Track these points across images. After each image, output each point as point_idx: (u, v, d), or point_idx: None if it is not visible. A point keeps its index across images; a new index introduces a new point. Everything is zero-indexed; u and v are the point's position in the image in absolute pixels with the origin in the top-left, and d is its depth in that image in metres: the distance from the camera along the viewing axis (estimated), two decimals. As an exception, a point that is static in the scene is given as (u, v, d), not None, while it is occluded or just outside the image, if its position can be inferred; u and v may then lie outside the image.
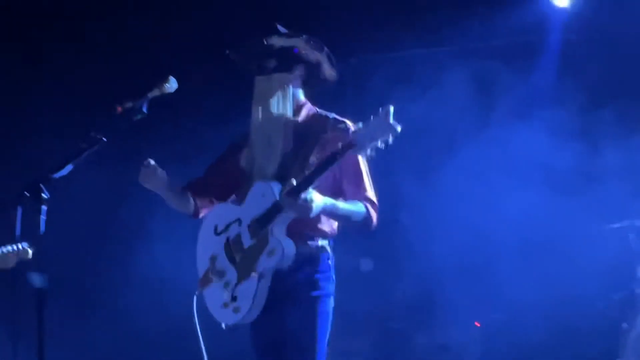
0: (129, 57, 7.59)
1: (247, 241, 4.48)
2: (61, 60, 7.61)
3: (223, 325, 4.52)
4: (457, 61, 7.72)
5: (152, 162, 4.59)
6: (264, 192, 4.45)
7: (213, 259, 4.59)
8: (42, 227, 3.99)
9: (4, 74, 7.76)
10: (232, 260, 4.52)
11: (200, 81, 7.07)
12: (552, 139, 7.45)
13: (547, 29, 7.81)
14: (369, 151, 4.11)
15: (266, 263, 4.40)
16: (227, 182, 4.72)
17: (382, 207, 7.73)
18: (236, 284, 4.47)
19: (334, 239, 4.63)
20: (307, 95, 4.68)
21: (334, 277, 4.58)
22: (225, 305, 4.50)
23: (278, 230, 4.40)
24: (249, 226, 4.48)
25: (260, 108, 4.57)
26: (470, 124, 7.78)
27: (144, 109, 4.24)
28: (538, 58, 7.87)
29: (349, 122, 4.52)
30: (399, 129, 4.05)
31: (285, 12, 7.50)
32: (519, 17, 7.56)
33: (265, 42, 4.56)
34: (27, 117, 7.57)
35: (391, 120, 4.06)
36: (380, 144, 4.08)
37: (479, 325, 7.96)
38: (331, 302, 4.56)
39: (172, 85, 4.36)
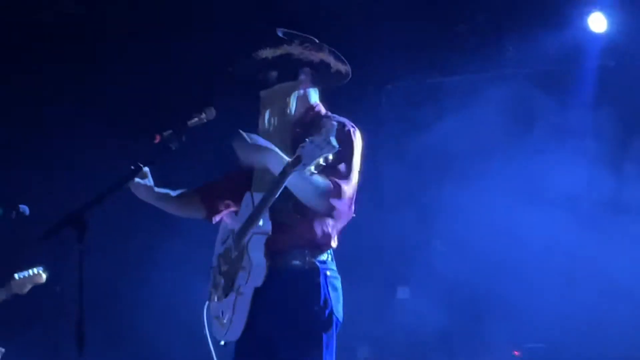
0: (170, 84, 7.62)
1: (233, 254, 4.34)
2: (101, 88, 7.67)
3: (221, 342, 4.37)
4: (491, 87, 7.71)
5: (145, 169, 4.44)
6: (247, 204, 4.34)
7: (213, 270, 4.48)
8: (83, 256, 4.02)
9: (44, 102, 7.84)
10: (222, 273, 4.39)
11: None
12: (586, 167, 7.43)
13: (583, 56, 7.76)
14: (312, 168, 3.94)
15: (241, 279, 4.24)
16: (238, 188, 4.51)
17: (417, 234, 7.88)
18: (224, 298, 4.34)
19: (331, 251, 4.41)
20: (323, 96, 4.54)
21: (330, 294, 4.32)
22: (216, 318, 4.38)
23: (253, 243, 4.23)
24: (234, 238, 4.34)
25: (265, 118, 4.43)
26: (505, 150, 7.75)
27: (183, 138, 4.22)
28: (574, 85, 7.83)
29: (347, 122, 4.36)
30: (336, 145, 3.89)
31: (325, 37, 7.62)
32: (555, 43, 7.54)
33: (261, 55, 4.41)
34: (69, 146, 7.61)
35: (331, 138, 3.88)
36: (322, 161, 3.93)
37: (518, 354, 7.90)
38: (328, 325, 4.30)
39: (211, 114, 4.33)
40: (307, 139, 3.94)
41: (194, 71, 7.68)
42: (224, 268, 4.38)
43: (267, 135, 4.32)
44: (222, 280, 4.37)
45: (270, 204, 4.12)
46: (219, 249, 4.51)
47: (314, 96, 4.51)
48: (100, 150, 7.43)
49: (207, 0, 7.66)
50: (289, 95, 4.41)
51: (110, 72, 7.70)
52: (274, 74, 4.41)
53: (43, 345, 6.72)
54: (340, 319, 4.37)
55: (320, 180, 4.14)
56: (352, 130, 4.35)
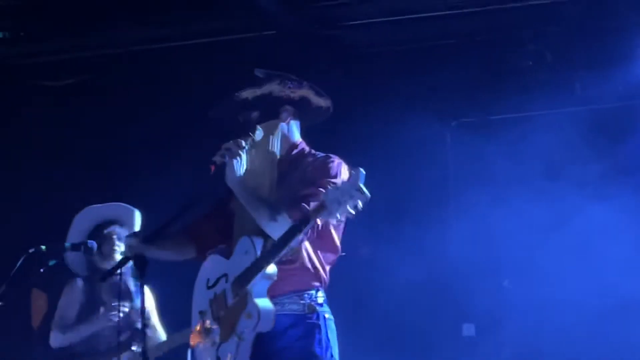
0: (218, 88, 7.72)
1: (230, 299, 4.26)
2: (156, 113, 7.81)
3: None
4: (558, 124, 7.67)
5: (135, 234, 4.51)
6: (247, 249, 4.24)
7: (202, 315, 4.40)
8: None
9: (89, 134, 8.03)
10: (216, 318, 4.31)
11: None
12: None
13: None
14: (338, 215, 3.83)
15: (244, 325, 4.17)
16: (224, 227, 4.49)
17: (485, 272, 7.82)
18: (219, 345, 4.27)
19: (324, 289, 4.39)
20: (303, 132, 4.53)
21: (329, 336, 4.30)
22: None
23: (257, 290, 4.17)
24: (232, 284, 4.26)
25: (251, 159, 4.35)
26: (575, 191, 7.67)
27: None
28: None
29: (335, 158, 4.36)
30: (368, 194, 3.77)
31: (383, 76, 7.68)
32: (624, 79, 7.47)
33: (241, 96, 4.42)
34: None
35: (361, 185, 3.77)
36: (350, 209, 3.80)
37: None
38: None
39: (259, 135, 4.36)
40: (330, 186, 3.94)
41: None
42: (219, 314, 4.31)
43: (253, 175, 4.32)
44: (217, 326, 4.31)
45: (283, 252, 4.08)
46: (205, 293, 4.41)
47: (297, 133, 4.51)
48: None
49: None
50: (272, 134, 4.41)
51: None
52: (255, 114, 4.41)
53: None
54: None
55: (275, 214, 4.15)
56: (327, 158, 4.36)
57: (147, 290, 5.71)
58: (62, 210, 7.49)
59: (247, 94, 4.40)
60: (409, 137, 7.63)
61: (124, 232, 5.98)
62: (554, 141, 7.67)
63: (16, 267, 5.29)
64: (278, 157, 4.40)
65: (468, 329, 8.07)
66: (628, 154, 7.63)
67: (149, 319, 6.13)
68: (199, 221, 4.62)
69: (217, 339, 4.28)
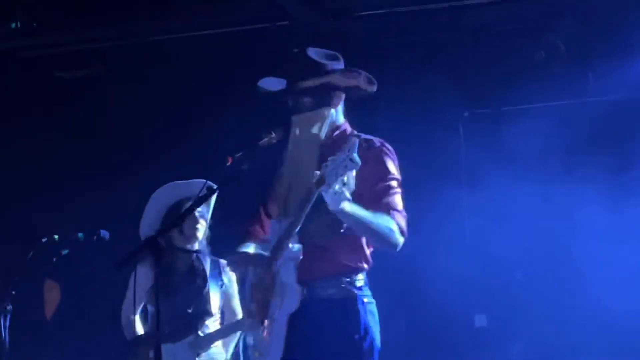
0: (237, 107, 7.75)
1: (265, 282, 4.30)
2: (173, 105, 7.82)
3: None
4: (572, 115, 7.66)
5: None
6: (274, 230, 4.36)
7: (248, 300, 4.44)
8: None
9: (117, 124, 8.05)
10: (256, 300, 4.35)
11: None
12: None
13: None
14: (336, 187, 3.88)
15: (274, 306, 4.23)
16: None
17: (499, 264, 7.82)
18: (259, 326, 4.31)
19: (366, 273, 4.38)
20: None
21: (368, 321, 4.29)
22: (253, 348, 4.35)
23: (284, 270, 4.22)
24: (265, 265, 4.30)
25: (295, 141, 4.40)
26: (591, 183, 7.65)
27: (254, 159, 4.26)
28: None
29: (375, 140, 4.36)
30: (359, 162, 3.85)
31: (395, 67, 7.67)
32: (632, 73, 7.45)
33: (302, 85, 4.35)
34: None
35: (354, 155, 3.85)
36: (346, 179, 3.88)
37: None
38: (368, 353, 4.26)
39: (280, 133, 4.36)
40: (329, 158, 3.94)
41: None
42: (257, 296, 4.33)
43: (296, 159, 4.35)
44: (256, 308, 4.33)
45: (297, 228, 4.13)
46: (251, 278, 4.43)
47: (341, 115, 4.49)
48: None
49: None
50: (323, 120, 4.39)
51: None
52: (307, 100, 4.37)
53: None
54: (379, 345, 4.32)
55: (389, 223, 4.15)
56: (382, 148, 4.35)
57: (230, 272, 5.69)
58: (78, 201, 7.59)
59: (309, 83, 4.33)
60: (421, 128, 7.63)
61: (204, 209, 5.79)
62: (568, 133, 7.67)
63: (29, 257, 5.30)
64: (323, 139, 4.38)
65: (480, 320, 8.08)
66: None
67: (228, 301, 5.90)
68: (261, 215, 4.65)
69: (257, 322, 4.30)
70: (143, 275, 5.53)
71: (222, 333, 5.81)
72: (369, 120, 7.45)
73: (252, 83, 7.67)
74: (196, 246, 5.84)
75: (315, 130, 4.35)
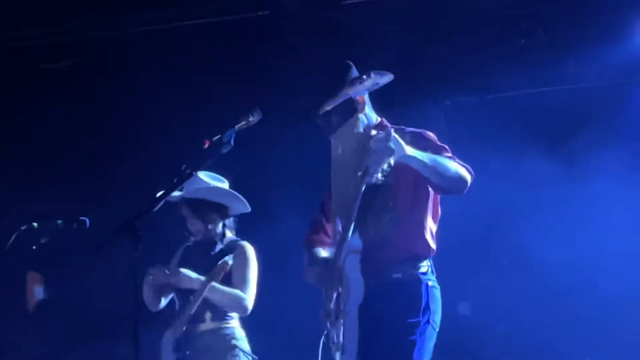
0: (216, 90, 7.72)
1: (335, 278, 4.46)
2: (154, 94, 7.81)
3: None
4: (551, 103, 7.67)
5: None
6: (335, 229, 4.55)
7: (324, 298, 4.57)
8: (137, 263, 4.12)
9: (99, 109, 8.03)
10: (330, 299, 4.50)
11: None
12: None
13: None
14: (379, 176, 4.15)
15: (344, 299, 4.40)
16: None
17: (482, 252, 7.83)
18: (335, 322, 4.47)
19: (431, 261, 4.58)
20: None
21: (430, 304, 4.49)
22: (332, 344, 4.48)
23: (348, 263, 4.41)
24: (331, 263, 4.49)
25: (338, 152, 4.60)
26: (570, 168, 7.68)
27: (232, 141, 4.33)
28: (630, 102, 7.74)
29: (416, 130, 4.60)
30: (394, 148, 4.11)
31: (378, 56, 7.66)
32: (618, 58, 7.45)
33: (323, 109, 4.54)
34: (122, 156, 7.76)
35: (389, 143, 4.11)
36: (386, 167, 4.14)
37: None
38: (422, 331, 4.45)
39: (258, 116, 4.46)
40: (370, 151, 4.15)
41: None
42: (330, 293, 4.48)
43: (344, 165, 4.52)
44: (332, 306, 4.47)
45: (352, 222, 4.31)
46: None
47: (373, 114, 4.68)
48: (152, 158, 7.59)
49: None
50: (356, 128, 4.56)
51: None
52: (334, 118, 4.56)
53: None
54: (437, 329, 4.52)
55: (453, 163, 4.42)
56: (424, 132, 4.62)
57: (250, 254, 5.71)
58: (60, 197, 7.56)
59: (328, 105, 4.52)
60: (403, 116, 7.59)
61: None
62: (549, 119, 7.70)
63: (8, 244, 5.29)
64: (362, 143, 4.48)
65: (464, 308, 8.11)
66: (622, 131, 7.63)
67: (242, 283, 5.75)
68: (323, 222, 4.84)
69: (334, 318, 4.46)
70: (172, 263, 5.82)
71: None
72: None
73: (234, 73, 7.79)
74: (206, 236, 5.86)
75: (352, 140, 4.53)
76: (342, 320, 4.41)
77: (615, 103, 7.74)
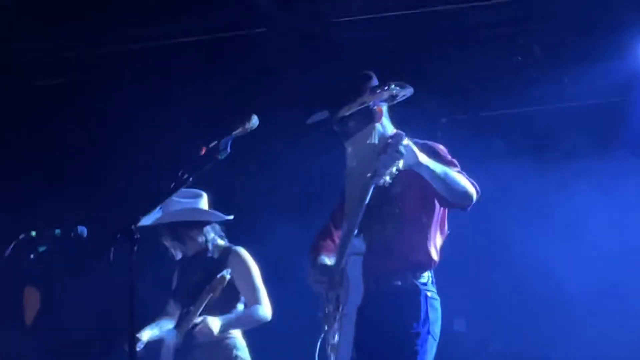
0: (214, 96, 7.75)
1: (336, 279, 4.54)
2: (149, 100, 7.86)
3: None
4: (546, 121, 7.72)
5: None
6: (342, 231, 4.60)
7: (323, 300, 4.65)
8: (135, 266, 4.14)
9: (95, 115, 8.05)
10: (329, 299, 4.58)
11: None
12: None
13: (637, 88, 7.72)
14: (388, 178, 4.22)
15: (343, 299, 4.47)
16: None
17: (478, 266, 7.85)
18: (333, 323, 4.54)
19: (432, 272, 4.62)
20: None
21: (429, 314, 4.52)
22: (329, 345, 4.54)
23: (350, 264, 4.49)
24: (335, 263, 4.57)
25: (351, 159, 4.64)
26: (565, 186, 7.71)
27: (228, 148, 4.37)
28: (628, 119, 7.79)
29: (428, 142, 4.65)
30: (404, 152, 4.19)
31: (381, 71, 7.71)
32: (612, 76, 7.52)
33: (340, 115, 4.60)
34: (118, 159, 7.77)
35: (400, 147, 4.19)
36: (395, 170, 4.21)
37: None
38: (423, 342, 4.49)
39: (255, 122, 4.50)
40: (382, 154, 4.22)
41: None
42: (330, 295, 4.56)
43: (355, 175, 4.57)
44: (331, 307, 4.55)
45: (356, 223, 4.37)
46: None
47: (389, 125, 4.73)
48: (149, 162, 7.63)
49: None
50: (371, 136, 4.61)
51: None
52: (351, 124, 4.62)
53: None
54: (437, 339, 4.56)
55: (461, 177, 4.50)
56: (435, 145, 4.67)
57: (248, 259, 5.71)
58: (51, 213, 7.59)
59: (344, 111, 4.58)
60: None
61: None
62: (545, 137, 7.75)
63: (6, 254, 5.30)
64: (376, 152, 4.53)
65: (459, 324, 8.12)
66: (617, 150, 7.67)
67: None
68: (330, 229, 4.90)
69: (332, 320, 4.54)
70: (173, 280, 5.88)
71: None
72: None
73: (229, 88, 7.83)
74: (193, 251, 5.85)
75: (366, 147, 4.56)
76: (339, 323, 4.46)
77: (611, 121, 7.75)
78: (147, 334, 5.70)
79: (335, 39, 7.69)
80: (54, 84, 8.23)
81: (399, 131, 4.56)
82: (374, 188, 4.33)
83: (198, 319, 5.49)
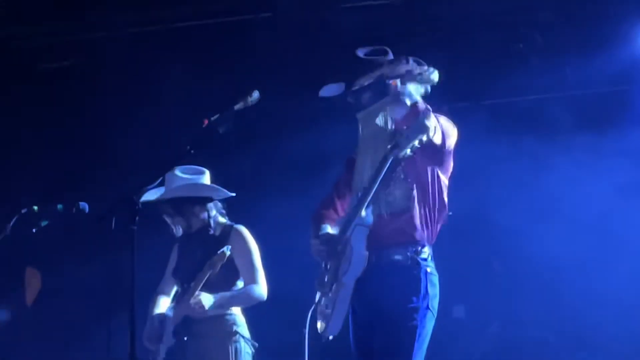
0: (215, 71, 7.77)
1: (338, 248, 4.60)
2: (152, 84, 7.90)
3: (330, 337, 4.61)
4: (550, 109, 7.74)
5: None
6: (351, 202, 4.66)
7: (322, 269, 4.71)
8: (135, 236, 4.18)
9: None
10: (329, 269, 4.64)
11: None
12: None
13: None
14: (409, 150, 4.31)
15: (343, 269, 4.51)
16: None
17: (477, 255, 7.86)
18: (329, 292, 4.59)
19: (431, 248, 4.65)
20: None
21: (428, 289, 4.56)
22: (320, 314, 4.61)
23: (355, 235, 4.51)
24: (339, 232, 4.63)
25: (366, 134, 4.70)
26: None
27: (230, 122, 4.41)
28: (629, 108, 7.81)
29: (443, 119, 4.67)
30: (429, 126, 4.29)
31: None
32: (612, 64, 7.52)
33: (358, 84, 4.66)
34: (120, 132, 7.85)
35: (425, 121, 4.29)
36: (417, 143, 4.29)
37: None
38: (422, 317, 4.53)
39: (256, 97, 4.53)
40: (405, 127, 4.34)
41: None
42: (330, 264, 4.62)
43: (368, 145, 4.64)
44: (329, 275, 4.60)
45: (370, 194, 4.45)
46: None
47: (407, 98, 4.67)
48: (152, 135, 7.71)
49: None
50: (385, 110, 4.65)
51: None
52: (366, 95, 4.68)
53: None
54: (435, 314, 4.60)
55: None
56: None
57: (248, 237, 5.75)
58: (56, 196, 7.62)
59: (361, 81, 4.66)
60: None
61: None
62: (545, 126, 7.77)
63: (8, 227, 5.34)
64: (391, 127, 4.62)
65: (458, 311, 8.15)
66: (618, 138, 7.69)
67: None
68: (334, 196, 4.94)
69: (327, 289, 4.60)
70: (171, 258, 5.89)
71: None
72: (350, 112, 7.64)
73: (235, 73, 7.85)
74: (195, 227, 5.87)
75: (380, 120, 4.64)
76: (336, 293, 4.50)
77: (613, 109, 7.77)
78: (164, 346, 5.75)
79: (340, 26, 7.71)
80: (58, 67, 8.24)
81: (427, 106, 4.62)
82: (392, 160, 4.40)
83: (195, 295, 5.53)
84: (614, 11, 7.40)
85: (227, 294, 5.66)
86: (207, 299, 5.52)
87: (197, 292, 5.52)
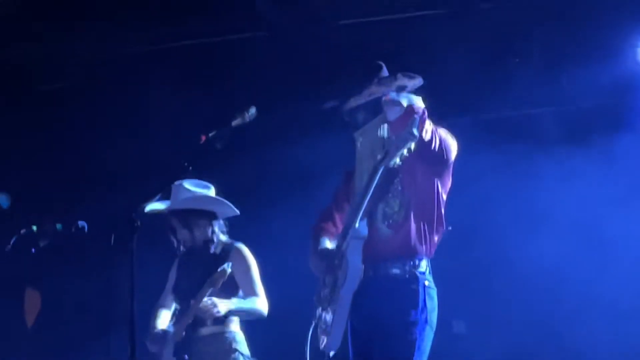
0: (214, 88, 7.79)
1: (335, 262, 4.59)
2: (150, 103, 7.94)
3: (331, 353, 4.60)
4: (544, 122, 7.76)
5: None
6: (347, 215, 4.65)
7: (320, 283, 4.71)
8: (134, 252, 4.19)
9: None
10: (327, 283, 4.64)
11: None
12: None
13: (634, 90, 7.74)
14: (398, 159, 4.29)
15: (340, 282, 4.50)
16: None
17: (476, 270, 7.85)
18: (327, 307, 4.58)
19: (429, 262, 4.65)
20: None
21: (426, 303, 4.56)
22: (321, 328, 4.60)
23: (351, 248, 4.50)
24: (336, 246, 4.63)
25: (361, 150, 4.71)
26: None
27: (227, 138, 4.44)
28: (626, 120, 7.81)
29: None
30: (417, 134, 4.27)
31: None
32: (608, 77, 7.52)
33: (349, 106, 4.69)
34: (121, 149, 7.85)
35: (413, 129, 4.26)
36: (406, 152, 4.28)
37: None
38: (421, 330, 4.53)
39: (253, 114, 4.57)
40: (393, 136, 4.34)
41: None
42: (328, 279, 4.61)
43: (364, 159, 4.64)
44: (327, 290, 4.60)
45: (362, 206, 4.44)
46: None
47: (409, 97, 4.64)
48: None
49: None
50: (379, 126, 4.64)
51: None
52: (360, 115, 4.70)
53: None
54: (434, 328, 4.59)
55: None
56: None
57: (248, 255, 5.77)
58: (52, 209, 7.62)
59: (352, 103, 4.68)
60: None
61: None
62: (541, 138, 7.78)
63: (8, 247, 5.35)
64: (387, 135, 4.60)
65: (458, 326, 8.13)
66: (615, 150, 7.70)
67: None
68: (333, 209, 4.95)
69: (326, 304, 4.59)
70: (171, 274, 5.93)
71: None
72: (347, 128, 7.65)
73: (231, 91, 7.87)
74: (198, 242, 5.90)
75: (375, 136, 4.63)
76: (334, 307, 4.49)
77: (609, 123, 7.78)
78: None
79: (335, 43, 7.74)
80: (56, 88, 8.25)
81: (423, 109, 4.62)
82: (383, 170, 4.40)
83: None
84: (610, 22, 7.40)
85: (235, 298, 5.70)
86: (217, 299, 5.56)
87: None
